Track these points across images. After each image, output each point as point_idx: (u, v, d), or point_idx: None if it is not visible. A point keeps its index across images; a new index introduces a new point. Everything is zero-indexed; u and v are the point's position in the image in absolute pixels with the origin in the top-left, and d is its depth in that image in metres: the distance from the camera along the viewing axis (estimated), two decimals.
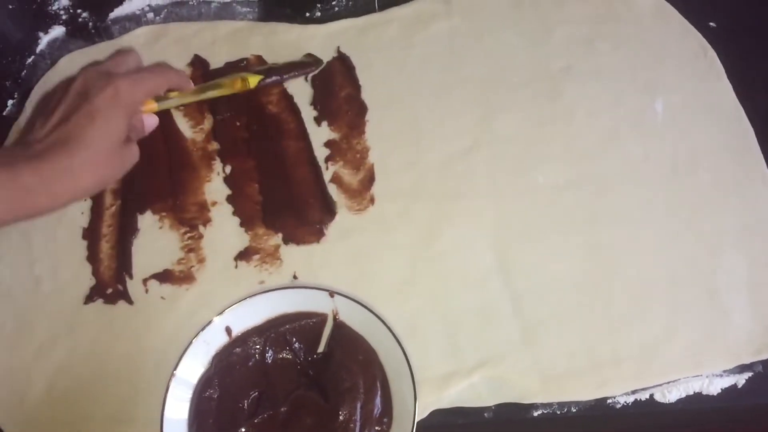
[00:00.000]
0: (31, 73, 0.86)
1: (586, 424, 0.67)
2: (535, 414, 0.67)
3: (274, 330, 0.64)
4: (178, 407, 0.60)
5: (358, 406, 0.59)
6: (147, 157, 0.77)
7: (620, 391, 0.67)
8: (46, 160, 0.63)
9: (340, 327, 0.63)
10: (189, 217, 0.76)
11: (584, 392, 0.67)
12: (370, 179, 0.77)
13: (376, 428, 0.59)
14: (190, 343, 0.62)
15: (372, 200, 0.76)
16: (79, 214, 0.76)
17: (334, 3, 0.89)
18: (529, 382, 0.67)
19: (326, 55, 0.84)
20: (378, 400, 0.60)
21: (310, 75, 0.82)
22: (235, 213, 0.76)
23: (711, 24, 0.84)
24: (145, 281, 0.73)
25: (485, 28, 0.85)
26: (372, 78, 0.82)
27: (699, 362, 0.67)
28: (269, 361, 0.63)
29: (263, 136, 0.79)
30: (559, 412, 0.66)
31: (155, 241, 0.75)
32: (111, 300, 0.72)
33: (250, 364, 0.63)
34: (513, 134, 0.79)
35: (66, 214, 0.76)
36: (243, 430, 0.61)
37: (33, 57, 0.87)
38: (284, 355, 0.64)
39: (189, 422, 0.61)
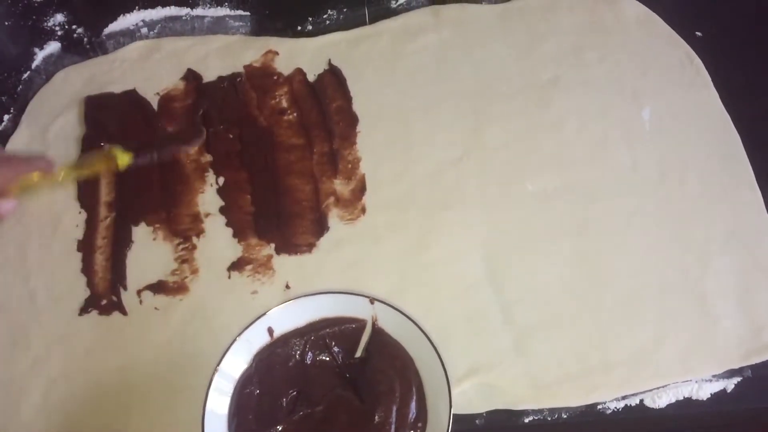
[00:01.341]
0: (27, 89, 0.87)
1: (576, 430, 0.67)
2: (526, 420, 0.67)
3: (314, 333, 0.64)
4: (219, 401, 0.61)
5: (394, 409, 0.59)
6: (141, 170, 0.78)
7: (610, 396, 0.67)
8: None
9: (378, 333, 0.64)
10: (182, 229, 0.76)
11: (575, 398, 0.67)
12: (361, 189, 0.78)
13: (412, 430, 0.59)
14: (234, 340, 0.62)
15: (363, 210, 0.77)
16: (73, 226, 0.77)
17: (325, 17, 0.90)
18: (520, 389, 0.68)
19: (318, 68, 0.85)
20: (413, 405, 0.60)
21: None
22: (227, 224, 0.77)
23: (697, 33, 0.86)
24: (139, 292, 0.73)
25: (474, 40, 0.87)
26: (363, 90, 0.84)
27: (689, 367, 0.68)
28: (308, 363, 0.64)
29: (255, 148, 0.80)
30: (549, 419, 0.67)
31: (149, 252, 0.76)
32: (106, 311, 0.73)
33: (290, 364, 0.64)
34: (502, 144, 0.80)
35: (61, 227, 0.77)
36: (281, 427, 0.61)
37: (29, 72, 0.88)
38: (323, 357, 0.64)
39: (229, 417, 0.61)
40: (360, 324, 0.64)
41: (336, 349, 0.64)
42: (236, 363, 0.62)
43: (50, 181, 0.71)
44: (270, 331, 0.64)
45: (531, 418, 0.67)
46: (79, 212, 0.78)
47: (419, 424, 0.60)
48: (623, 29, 0.86)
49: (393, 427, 0.59)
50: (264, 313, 0.63)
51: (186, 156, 0.80)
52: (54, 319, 0.72)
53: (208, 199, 0.78)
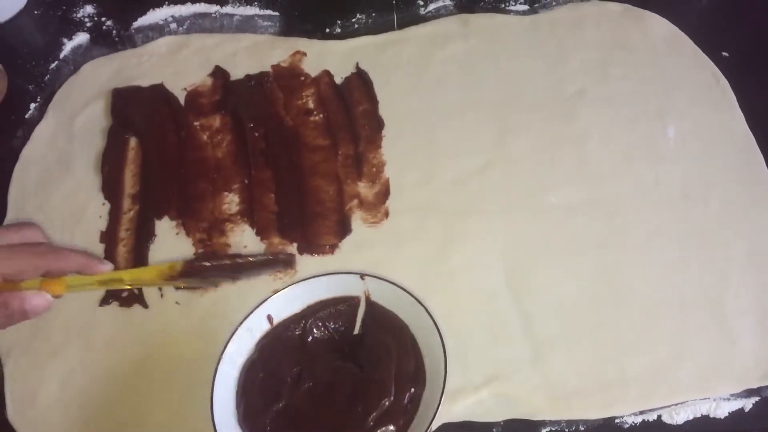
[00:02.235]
0: (54, 78, 0.88)
1: None
2: (543, 431, 0.67)
3: (312, 315, 0.67)
4: (225, 388, 0.63)
5: (393, 367, 0.62)
6: (165, 165, 0.79)
7: (628, 411, 0.67)
8: None
9: (372, 306, 0.66)
10: (206, 225, 0.77)
11: (592, 411, 0.67)
12: (385, 193, 0.78)
13: (411, 389, 0.62)
14: (235, 329, 0.64)
15: (387, 214, 0.77)
16: (97, 217, 0.77)
17: (354, 20, 0.91)
18: (538, 400, 0.68)
19: (345, 71, 0.86)
20: (411, 363, 0.63)
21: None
22: (251, 222, 0.77)
23: (724, 53, 0.86)
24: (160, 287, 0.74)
25: (501, 50, 0.87)
26: (389, 94, 0.84)
27: (707, 385, 0.68)
28: (309, 342, 0.66)
29: (281, 148, 0.81)
30: (567, 430, 0.67)
31: (172, 246, 0.76)
32: (126, 303, 0.73)
33: (291, 346, 0.66)
34: (526, 155, 0.80)
35: (84, 218, 0.77)
36: (285, 402, 0.63)
37: (57, 62, 0.89)
38: (323, 336, 0.67)
39: (236, 400, 0.63)
40: (354, 301, 0.67)
41: (334, 327, 0.67)
42: (239, 351, 0.65)
43: (90, 284, 0.61)
44: (270, 318, 0.66)
45: (548, 429, 0.67)
46: (103, 204, 0.78)
47: (417, 383, 0.63)
48: (650, 47, 0.86)
49: (393, 383, 0.61)
50: (262, 302, 0.65)
51: (212, 153, 0.81)
52: (74, 310, 0.73)
53: (232, 196, 0.78)
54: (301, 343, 0.67)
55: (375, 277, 0.66)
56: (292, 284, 0.66)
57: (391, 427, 0.60)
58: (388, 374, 0.62)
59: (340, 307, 0.68)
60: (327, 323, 0.67)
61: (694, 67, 0.85)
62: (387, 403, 0.61)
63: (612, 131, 0.81)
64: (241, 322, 0.64)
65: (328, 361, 0.65)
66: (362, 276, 0.66)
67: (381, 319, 0.66)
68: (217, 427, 0.59)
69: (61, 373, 0.70)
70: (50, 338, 0.71)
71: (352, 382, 0.63)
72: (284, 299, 0.66)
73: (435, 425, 0.57)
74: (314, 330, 0.67)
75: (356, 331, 0.67)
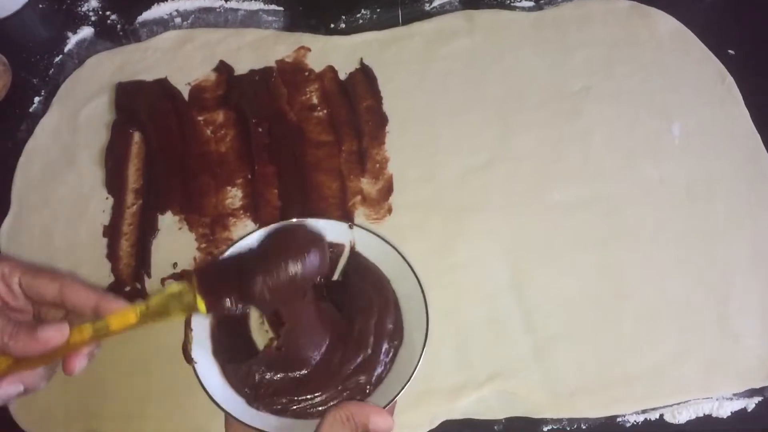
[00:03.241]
0: (58, 72, 0.88)
1: None
2: (545, 429, 0.67)
3: None
4: (201, 322, 0.59)
5: (372, 322, 0.60)
6: (168, 160, 0.79)
7: (630, 410, 0.67)
8: None
9: (355, 256, 0.64)
10: (209, 220, 0.77)
11: (594, 410, 0.67)
12: (388, 189, 0.78)
13: (388, 344, 0.60)
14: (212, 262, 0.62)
15: (390, 210, 0.77)
16: (100, 211, 0.77)
17: (358, 15, 0.90)
18: (540, 398, 0.67)
19: (349, 66, 0.86)
20: (390, 320, 0.61)
21: None
22: (254, 217, 0.77)
23: (730, 51, 0.85)
24: (163, 280, 0.74)
25: (506, 46, 0.87)
26: (393, 90, 0.84)
27: (709, 385, 0.68)
28: None
29: (284, 143, 0.81)
30: (569, 429, 0.67)
31: (174, 241, 0.76)
32: (129, 298, 0.73)
33: None
34: (530, 152, 0.80)
35: (87, 212, 0.77)
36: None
37: (61, 56, 0.89)
38: None
39: (212, 335, 0.60)
40: (338, 249, 0.65)
41: None
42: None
43: (123, 325, 0.53)
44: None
45: (550, 427, 0.67)
46: (106, 198, 0.78)
47: (395, 338, 0.61)
48: (656, 44, 0.86)
49: (372, 338, 0.60)
50: (245, 235, 0.61)
51: (215, 148, 0.81)
52: None
53: (235, 191, 0.78)
54: None
55: (362, 228, 0.63)
56: (274, 224, 0.62)
57: (363, 378, 0.59)
58: (367, 327, 0.60)
59: None
60: None
61: (700, 65, 0.85)
62: (364, 356, 0.60)
63: (617, 128, 0.81)
64: (223, 251, 0.60)
65: (308, 299, 0.61)
66: (350, 225, 0.64)
67: (363, 270, 0.64)
68: (198, 373, 0.57)
69: None
70: None
71: (330, 325, 0.62)
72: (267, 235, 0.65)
73: (410, 386, 0.56)
74: None
75: (335, 277, 0.65)
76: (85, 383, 0.69)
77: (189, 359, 0.57)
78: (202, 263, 0.63)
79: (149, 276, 0.74)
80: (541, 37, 0.87)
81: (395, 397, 0.55)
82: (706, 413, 0.67)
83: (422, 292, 0.60)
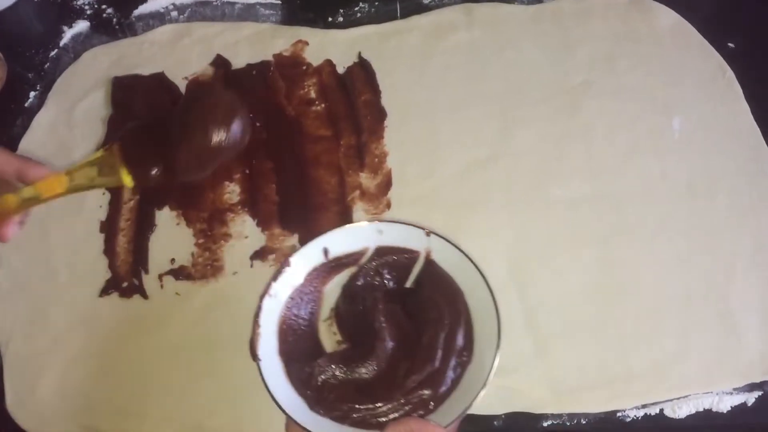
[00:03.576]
0: (54, 66, 0.87)
1: None
2: (545, 424, 0.67)
3: (368, 260, 0.64)
4: (269, 319, 0.60)
5: (442, 335, 0.59)
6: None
7: (631, 404, 0.67)
8: None
9: (430, 265, 0.63)
10: (206, 215, 0.76)
11: (595, 405, 0.67)
12: (387, 184, 0.77)
13: (457, 360, 0.59)
14: (290, 255, 0.61)
15: (388, 205, 0.76)
16: (97, 207, 0.77)
17: (356, 9, 0.90)
18: (540, 393, 0.67)
19: (347, 60, 0.85)
20: (461, 335, 0.59)
21: None
22: (252, 213, 0.76)
23: (730, 45, 0.85)
24: (160, 276, 0.73)
25: (505, 40, 0.86)
26: (392, 84, 0.83)
27: (710, 379, 0.67)
28: (359, 285, 0.64)
29: (282, 138, 0.80)
30: (569, 424, 0.67)
31: (172, 237, 0.75)
32: (126, 294, 0.73)
33: (342, 285, 0.64)
34: (530, 148, 0.79)
35: (84, 208, 0.77)
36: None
37: (57, 50, 0.88)
38: (375, 282, 0.64)
39: (278, 334, 0.60)
40: (413, 255, 0.63)
41: (387, 276, 0.64)
42: (286, 282, 0.61)
43: (51, 193, 0.54)
44: (326, 251, 0.63)
45: (550, 423, 0.67)
46: (103, 193, 0.78)
47: (464, 353, 0.59)
48: (656, 38, 0.85)
49: (440, 352, 0.58)
50: (321, 235, 0.62)
51: None
52: (74, 300, 0.72)
53: (233, 187, 0.78)
54: (351, 284, 0.64)
55: (440, 236, 0.62)
56: (354, 223, 0.63)
57: (427, 393, 0.57)
58: (436, 340, 0.59)
59: (397, 257, 0.64)
60: (381, 270, 0.64)
61: (701, 59, 0.84)
62: (430, 370, 0.58)
63: (617, 124, 0.80)
64: (298, 250, 0.61)
65: (381, 300, 0.61)
66: (428, 232, 0.62)
67: (437, 280, 0.62)
68: (263, 371, 0.56)
69: (61, 363, 0.70)
70: (49, 328, 0.71)
71: (399, 334, 0.60)
72: (343, 236, 0.63)
73: (478, 402, 0.55)
74: (366, 275, 0.64)
75: (408, 284, 0.64)
76: (84, 377, 0.69)
77: (254, 356, 0.57)
78: (124, 131, 0.59)
79: (147, 272, 0.74)
80: (540, 31, 0.86)
81: (459, 416, 0.53)
82: (706, 408, 0.67)
83: (496, 309, 0.57)
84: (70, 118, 0.83)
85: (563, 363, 0.68)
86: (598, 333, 0.70)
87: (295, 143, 0.80)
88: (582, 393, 0.67)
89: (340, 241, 0.63)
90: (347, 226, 0.63)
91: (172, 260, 0.74)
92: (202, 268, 0.74)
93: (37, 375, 0.69)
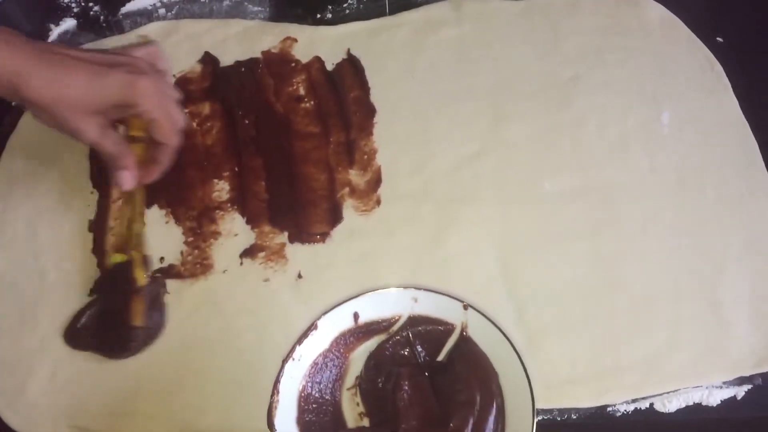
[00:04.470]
0: None
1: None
2: (535, 419, 0.67)
3: (400, 328, 0.63)
4: (290, 384, 0.60)
5: (471, 421, 0.57)
6: None
7: (621, 399, 0.67)
8: (43, 60, 0.60)
9: (465, 341, 0.62)
10: (195, 213, 0.76)
11: (585, 400, 0.67)
12: (377, 181, 0.77)
13: None
14: (318, 318, 0.61)
15: (378, 202, 0.76)
16: (85, 206, 0.76)
17: (345, 5, 0.89)
18: None
19: (336, 57, 0.85)
20: (491, 421, 0.58)
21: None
22: (241, 210, 0.76)
23: (718, 39, 0.85)
24: (150, 275, 0.73)
25: (495, 35, 0.86)
26: (381, 81, 0.83)
27: (700, 373, 0.68)
28: (387, 355, 0.63)
29: (271, 135, 0.80)
30: (559, 419, 0.67)
31: (161, 235, 0.75)
32: None
33: (369, 353, 0.63)
34: (521, 142, 0.79)
35: (72, 207, 0.76)
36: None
37: None
38: (405, 353, 0.63)
39: (299, 399, 0.61)
40: (448, 328, 0.62)
41: (419, 348, 0.63)
42: (312, 345, 0.61)
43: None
44: (356, 316, 0.63)
45: (540, 418, 0.67)
46: (91, 192, 0.77)
47: None
48: (645, 32, 0.85)
49: None
50: (351, 297, 0.62)
51: (201, 140, 0.80)
52: (63, 299, 0.72)
53: (222, 184, 0.78)
54: (379, 353, 0.63)
55: (479, 312, 0.62)
56: (388, 288, 0.63)
57: None
58: (464, 425, 0.57)
59: (430, 328, 0.64)
60: (413, 341, 0.63)
61: (689, 53, 0.84)
62: None
63: (607, 117, 0.80)
64: (327, 312, 0.61)
65: (407, 375, 0.61)
66: (466, 306, 0.62)
67: (471, 357, 0.61)
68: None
69: (50, 363, 0.69)
70: (38, 329, 0.71)
71: (425, 411, 0.59)
72: (375, 300, 0.63)
73: None
74: (397, 345, 0.63)
75: (440, 358, 0.63)
76: (73, 377, 0.69)
77: (271, 426, 0.57)
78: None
79: None
80: (529, 25, 0.86)
81: None
82: (696, 402, 0.67)
83: (532, 396, 0.57)
84: None
85: (553, 357, 0.68)
86: (588, 327, 0.70)
87: (284, 140, 0.79)
88: (572, 387, 0.67)
89: (371, 306, 0.63)
90: (381, 290, 0.62)
91: (162, 259, 0.74)
92: (192, 266, 0.73)
93: (26, 375, 0.69)
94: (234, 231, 0.75)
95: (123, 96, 0.62)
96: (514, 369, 0.59)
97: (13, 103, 0.83)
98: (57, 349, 0.70)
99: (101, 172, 0.78)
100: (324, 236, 0.75)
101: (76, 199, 0.77)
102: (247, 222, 0.75)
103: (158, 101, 0.65)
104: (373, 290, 0.62)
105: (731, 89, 0.82)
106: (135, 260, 0.70)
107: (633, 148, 0.78)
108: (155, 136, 0.67)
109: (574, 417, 0.67)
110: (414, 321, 0.63)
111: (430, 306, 0.63)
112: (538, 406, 0.66)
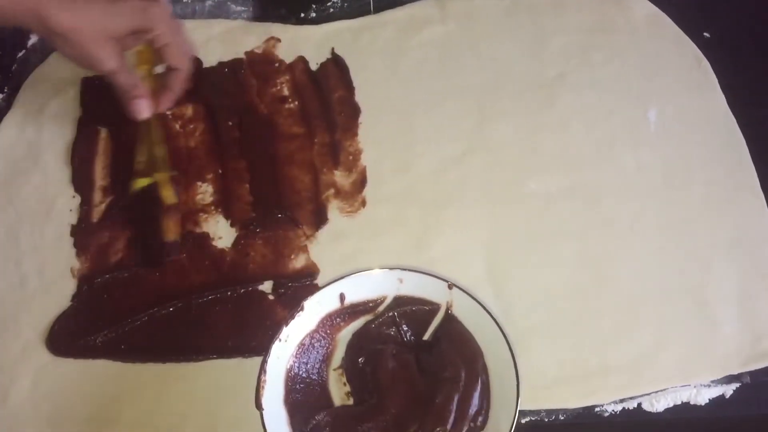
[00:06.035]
0: (22, 68, 0.85)
1: None
2: (523, 421, 0.66)
3: (385, 309, 0.64)
4: (277, 365, 0.60)
5: (456, 397, 0.58)
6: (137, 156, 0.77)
7: (608, 399, 0.67)
8: None
9: (450, 320, 0.63)
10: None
11: (572, 400, 0.67)
12: (362, 182, 0.77)
13: (470, 424, 0.58)
14: (305, 300, 0.61)
15: (364, 203, 0.76)
16: (67, 211, 0.76)
17: (329, 4, 0.89)
18: None
19: (320, 57, 0.84)
20: (476, 398, 0.59)
21: None
22: (225, 213, 0.75)
23: (705, 34, 0.85)
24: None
25: (480, 34, 0.85)
26: (366, 81, 0.82)
27: (688, 372, 0.67)
28: (374, 334, 0.63)
29: (255, 137, 0.79)
30: (546, 420, 0.66)
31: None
32: None
33: (354, 333, 0.63)
34: (507, 142, 0.79)
35: (54, 211, 0.76)
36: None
37: (24, 51, 0.86)
38: (391, 333, 0.64)
39: (285, 381, 0.61)
40: (433, 307, 0.63)
41: (405, 327, 0.64)
42: (299, 326, 0.61)
43: None
44: (342, 297, 0.63)
45: (528, 419, 0.66)
46: (73, 196, 0.77)
47: (480, 419, 0.59)
48: (631, 29, 0.85)
49: (452, 415, 0.58)
50: (337, 279, 0.62)
51: (184, 143, 0.79)
52: (45, 305, 0.71)
53: (206, 187, 0.77)
54: (366, 331, 0.64)
55: (463, 290, 0.62)
56: (372, 269, 0.63)
57: None
58: (449, 402, 0.58)
59: (416, 308, 0.64)
60: (398, 321, 0.64)
61: (676, 49, 0.84)
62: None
63: (593, 116, 0.80)
64: (314, 294, 0.61)
65: (389, 354, 0.61)
66: (450, 285, 0.62)
67: (456, 336, 0.62)
68: (265, 421, 0.57)
69: (33, 371, 0.69)
70: (21, 335, 0.70)
71: (411, 388, 0.59)
72: (360, 282, 0.63)
73: None
74: (383, 325, 0.64)
75: (426, 337, 0.63)
76: (56, 384, 0.68)
77: (258, 405, 0.57)
78: None
79: None
80: (515, 24, 0.86)
81: None
82: (684, 401, 0.67)
83: (516, 374, 0.57)
84: (38, 119, 0.81)
85: (540, 358, 0.68)
86: (575, 327, 0.69)
87: (268, 142, 0.79)
88: (559, 388, 0.67)
89: (357, 287, 0.63)
90: (366, 272, 0.62)
91: None
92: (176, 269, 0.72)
93: (9, 383, 0.68)
94: (219, 233, 0.74)
95: (138, 21, 0.66)
96: (499, 346, 0.59)
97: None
98: (39, 356, 0.69)
99: (83, 176, 0.77)
100: (309, 238, 0.74)
101: (57, 203, 0.76)
102: (231, 225, 0.75)
103: (170, 26, 0.69)
104: (359, 271, 0.62)
105: (718, 85, 0.81)
106: (161, 182, 0.71)
107: (619, 146, 0.78)
108: (169, 60, 0.70)
109: (562, 417, 0.66)
110: (399, 301, 0.64)
111: (415, 286, 0.63)
112: (525, 407, 0.66)
